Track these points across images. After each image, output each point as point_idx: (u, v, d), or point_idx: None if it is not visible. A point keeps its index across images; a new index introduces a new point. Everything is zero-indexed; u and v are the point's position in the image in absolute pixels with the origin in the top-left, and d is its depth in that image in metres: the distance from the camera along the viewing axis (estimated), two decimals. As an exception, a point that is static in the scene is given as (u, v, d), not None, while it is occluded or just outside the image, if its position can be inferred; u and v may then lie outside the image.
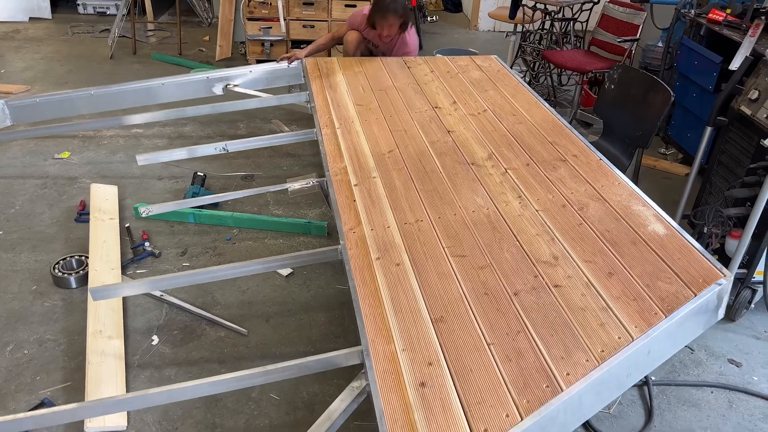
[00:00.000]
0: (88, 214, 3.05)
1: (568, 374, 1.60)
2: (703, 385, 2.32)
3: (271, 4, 4.94)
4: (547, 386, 1.57)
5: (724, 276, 1.86)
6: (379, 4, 3.56)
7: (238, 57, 5.54)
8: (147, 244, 2.87)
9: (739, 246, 2.46)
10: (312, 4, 4.99)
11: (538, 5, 4.59)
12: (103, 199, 3.11)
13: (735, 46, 3.16)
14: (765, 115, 2.42)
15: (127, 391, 2.14)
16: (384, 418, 1.51)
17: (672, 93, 2.61)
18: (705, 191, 2.83)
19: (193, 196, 3.16)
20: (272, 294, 2.67)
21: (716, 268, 1.90)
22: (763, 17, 3.28)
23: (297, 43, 5.14)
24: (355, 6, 4.96)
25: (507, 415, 1.50)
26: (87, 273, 2.63)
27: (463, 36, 6.69)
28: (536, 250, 2.06)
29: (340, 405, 1.74)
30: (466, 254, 2.06)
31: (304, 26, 5.06)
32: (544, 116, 3.00)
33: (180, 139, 3.98)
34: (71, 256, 2.73)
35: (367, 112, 3.14)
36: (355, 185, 2.50)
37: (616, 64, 3.05)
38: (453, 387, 1.58)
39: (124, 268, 2.73)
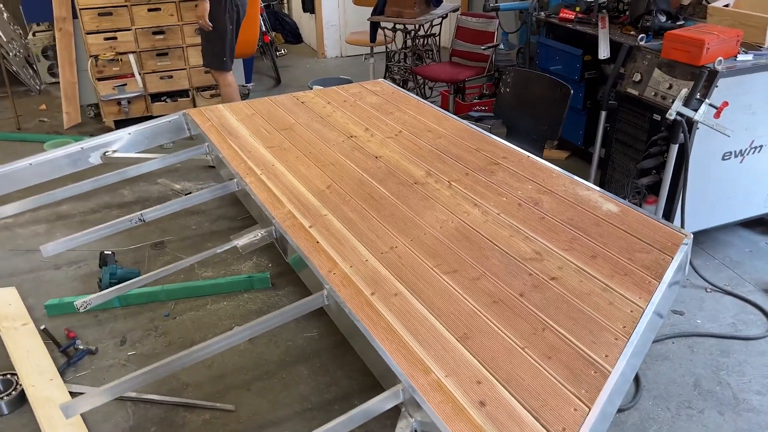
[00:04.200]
0: (-12, 325, 2.61)
1: (607, 356, 1.69)
2: (665, 338, 2.57)
3: (121, 60, 4.60)
4: (595, 372, 1.65)
5: (686, 236, 2.09)
6: None
7: (89, 121, 5.07)
8: (78, 342, 2.53)
9: (657, 210, 2.78)
10: (167, 54, 4.74)
11: (397, 26, 4.80)
12: (5, 304, 2.68)
13: (587, 39, 3.58)
14: (652, 93, 2.76)
15: None
16: (463, 448, 1.49)
17: (570, 87, 2.88)
18: (608, 168, 3.15)
19: (112, 278, 2.84)
20: (241, 360, 2.49)
21: (676, 230, 2.14)
22: (605, 11, 3.76)
23: (156, 96, 4.85)
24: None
25: (575, 409, 1.55)
26: (19, 393, 2.25)
27: (315, 65, 6.76)
28: (517, 250, 2.15)
29: (398, 450, 1.67)
30: (456, 269, 2.10)
31: (161, 78, 4.78)
32: (456, 127, 3.14)
33: (61, 221, 3.56)
34: (-8, 378, 2.32)
35: (283, 152, 3.06)
36: (310, 227, 2.43)
37: (508, 68, 3.29)
38: (512, 397, 1.61)
39: (61, 375, 2.37)
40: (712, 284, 2.87)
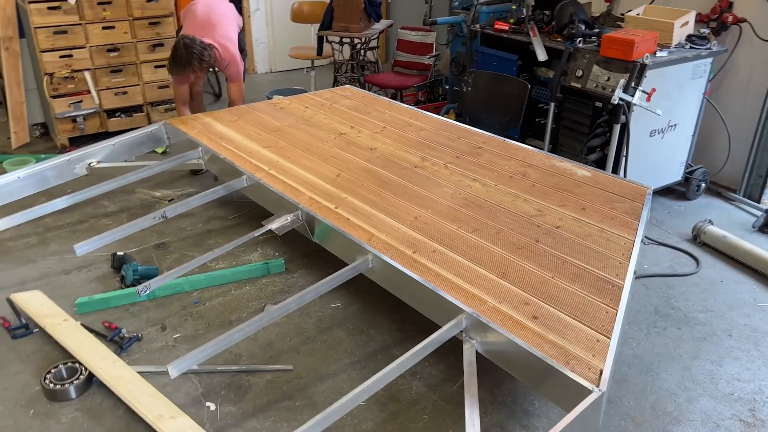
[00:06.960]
0: (21, 327, 2.70)
1: (617, 275, 2.21)
2: (624, 281, 3.16)
3: (76, 77, 4.64)
4: (612, 286, 2.16)
5: (648, 188, 2.68)
6: (177, 62, 3.81)
7: (36, 141, 5.02)
8: (124, 330, 2.69)
9: (604, 180, 3.39)
10: (121, 70, 4.83)
11: (344, 40, 5.22)
12: (38, 305, 2.77)
13: (518, 46, 4.19)
14: (594, 86, 3.38)
15: (232, 453, 2.12)
16: (533, 348, 1.92)
17: (527, 83, 3.44)
18: (557, 150, 3.75)
19: (135, 274, 3.01)
20: (282, 331, 2.77)
21: (638, 185, 2.72)
22: (532, 22, 4.41)
23: (112, 112, 4.92)
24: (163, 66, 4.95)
25: (606, 312, 2.04)
26: (86, 378, 2.40)
27: (248, 80, 6.97)
28: (522, 210, 2.64)
29: (471, 362, 2.06)
30: (477, 228, 2.54)
31: (116, 94, 4.85)
32: (433, 121, 3.60)
33: (51, 232, 3.61)
34: (54, 367, 2.44)
35: (282, 151, 3.37)
36: (335, 208, 2.78)
37: (469, 71, 3.82)
38: (556, 310, 2.07)
39: (117, 359, 2.54)
40: (648, 238, 3.53)
